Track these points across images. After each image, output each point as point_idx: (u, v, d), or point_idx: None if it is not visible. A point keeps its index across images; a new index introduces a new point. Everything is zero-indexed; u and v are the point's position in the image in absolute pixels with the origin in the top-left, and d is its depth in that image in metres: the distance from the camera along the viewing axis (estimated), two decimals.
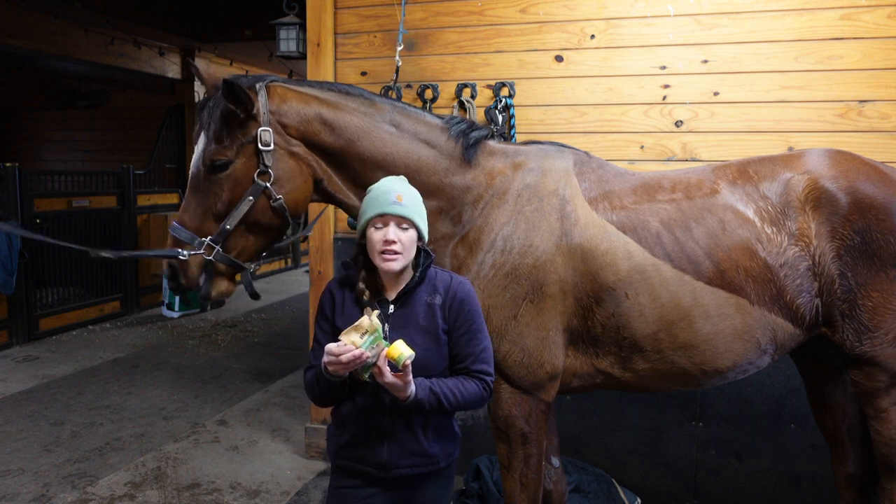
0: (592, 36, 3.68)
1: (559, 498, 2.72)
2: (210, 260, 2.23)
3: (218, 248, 2.22)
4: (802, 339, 2.41)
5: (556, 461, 2.72)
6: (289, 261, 12.61)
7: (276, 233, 2.35)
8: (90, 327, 7.83)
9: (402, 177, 2.10)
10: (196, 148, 2.26)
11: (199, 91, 10.12)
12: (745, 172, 2.43)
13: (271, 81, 2.32)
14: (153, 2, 8.33)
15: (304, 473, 4.13)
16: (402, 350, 1.79)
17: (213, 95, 2.25)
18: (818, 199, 2.31)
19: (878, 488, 2.54)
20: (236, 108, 2.18)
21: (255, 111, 2.22)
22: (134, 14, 8.06)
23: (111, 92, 11.77)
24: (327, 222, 4.15)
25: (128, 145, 11.46)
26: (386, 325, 1.99)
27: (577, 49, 3.71)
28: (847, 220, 2.28)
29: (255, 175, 2.22)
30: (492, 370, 2.05)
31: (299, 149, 2.30)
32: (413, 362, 1.86)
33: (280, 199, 2.24)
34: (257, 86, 2.27)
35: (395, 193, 1.97)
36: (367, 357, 1.77)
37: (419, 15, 3.92)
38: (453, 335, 2.02)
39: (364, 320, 1.79)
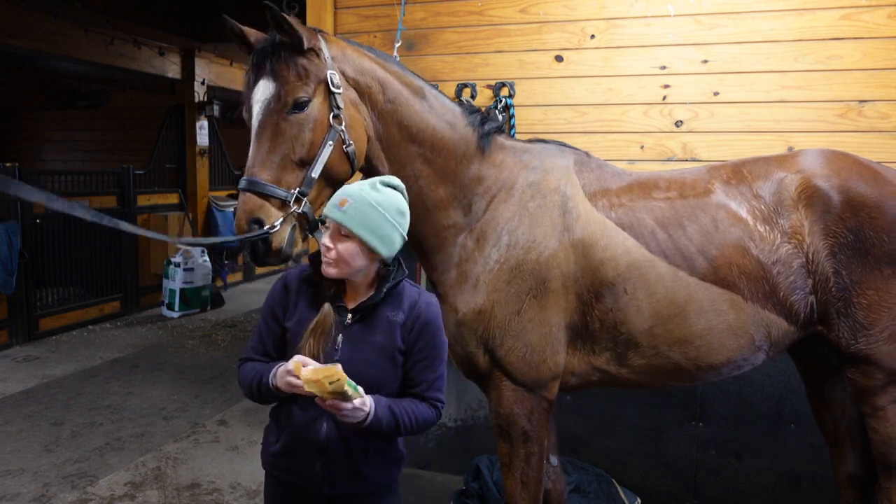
0: (592, 36, 3.68)
1: (558, 497, 2.73)
2: (298, 213, 2.05)
3: (306, 200, 2.06)
4: (797, 336, 2.42)
5: (554, 460, 2.72)
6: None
7: (338, 186, 2.16)
8: (90, 327, 7.83)
9: (373, 181, 1.91)
10: (257, 96, 2.12)
11: (199, 91, 10.12)
12: (739, 172, 2.45)
13: (320, 31, 2.28)
14: (153, 2, 8.33)
15: None
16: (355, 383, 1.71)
17: (271, 40, 2.14)
18: (810, 197, 2.33)
19: (876, 487, 2.54)
20: (303, 43, 2.09)
21: (320, 52, 2.16)
22: (134, 14, 8.06)
23: (111, 92, 11.76)
24: None
25: (128, 145, 11.44)
26: (340, 335, 1.88)
27: (577, 49, 3.71)
28: (840, 219, 2.30)
29: (331, 118, 2.13)
30: (443, 397, 1.95)
31: (357, 100, 2.26)
32: (365, 381, 1.78)
33: (352, 144, 2.16)
34: (314, 30, 2.22)
35: (341, 197, 1.84)
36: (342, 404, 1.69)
37: (419, 15, 3.92)
38: (410, 358, 1.90)
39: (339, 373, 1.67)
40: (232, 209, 10.43)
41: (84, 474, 4.08)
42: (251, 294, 10.19)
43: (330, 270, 1.84)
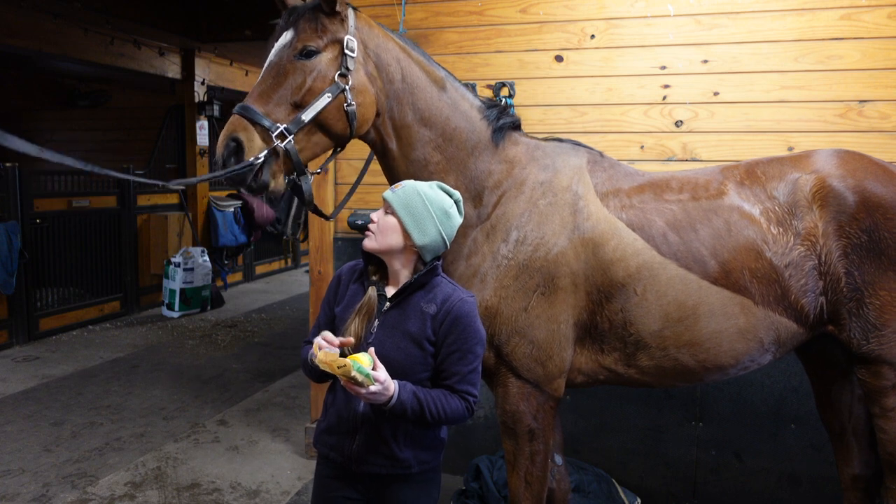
0: (592, 36, 3.68)
1: (562, 496, 2.73)
2: (281, 148, 2.14)
3: (291, 138, 2.16)
4: (806, 337, 2.42)
5: (559, 459, 2.73)
6: (289, 261, 12.62)
7: (334, 142, 2.32)
8: (90, 327, 7.83)
9: (433, 182, 2.09)
10: (277, 43, 2.26)
11: (199, 91, 10.12)
12: (752, 173, 2.45)
13: (356, 9, 2.38)
14: (153, 2, 8.33)
15: (304, 473, 4.13)
16: (367, 371, 1.78)
17: (304, 4, 2.28)
18: (825, 197, 2.32)
19: (883, 488, 2.54)
20: (333, 4, 2.21)
21: (345, 18, 2.27)
22: (134, 14, 8.05)
23: (111, 92, 11.76)
24: (328, 222, 4.15)
25: (128, 145, 11.43)
26: (377, 321, 2.01)
27: (577, 49, 3.71)
28: (854, 219, 2.29)
29: (337, 75, 2.23)
30: (476, 392, 2.00)
31: (373, 73, 2.33)
32: (392, 366, 1.89)
33: (354, 105, 2.24)
34: (348, 4, 2.34)
35: (398, 182, 2.09)
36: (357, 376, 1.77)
37: (419, 15, 3.92)
38: (441, 350, 1.98)
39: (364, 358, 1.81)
40: (232, 209, 10.43)
41: (84, 474, 4.08)
42: (251, 294, 10.19)
43: (367, 242, 2.03)
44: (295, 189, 2.28)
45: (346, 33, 2.26)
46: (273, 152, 2.14)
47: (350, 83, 2.24)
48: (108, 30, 8.41)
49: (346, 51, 2.24)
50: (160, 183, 2.24)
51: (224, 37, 9.11)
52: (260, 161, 2.11)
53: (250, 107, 2.14)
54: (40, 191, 7.69)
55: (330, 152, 2.42)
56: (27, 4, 7.29)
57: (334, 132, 2.26)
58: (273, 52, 2.25)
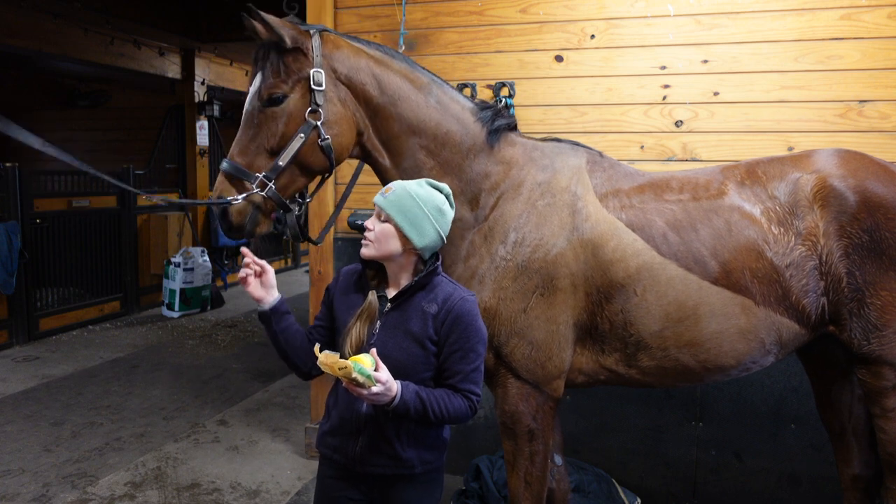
0: (592, 36, 3.68)
1: (562, 497, 2.73)
2: (264, 197, 2.24)
3: (271, 184, 2.23)
4: (808, 338, 2.42)
5: (558, 459, 2.73)
6: (289, 261, 12.62)
7: (316, 176, 2.39)
8: (90, 327, 7.83)
9: (421, 181, 2.08)
10: (251, 88, 2.31)
11: (199, 91, 10.12)
12: (753, 173, 2.44)
13: (324, 30, 2.38)
14: (153, 2, 8.33)
15: (304, 473, 4.13)
16: (368, 372, 1.77)
17: (268, 38, 2.28)
18: (826, 197, 2.31)
19: (883, 488, 2.54)
20: (286, 43, 2.22)
21: (307, 51, 2.27)
22: (134, 14, 8.05)
23: (111, 92, 11.76)
24: (326, 222, 4.15)
25: (128, 145, 11.43)
26: (378, 322, 2.01)
27: (577, 49, 3.71)
28: (855, 219, 2.29)
29: (307, 113, 2.25)
30: (479, 390, 2.00)
31: (347, 96, 2.34)
32: (394, 366, 1.89)
33: (328, 139, 2.27)
34: (311, 30, 2.33)
35: (387, 186, 2.05)
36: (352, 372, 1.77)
37: (419, 15, 3.92)
38: (444, 349, 1.98)
39: (367, 358, 1.81)
40: None
41: (84, 474, 4.08)
42: None
43: (365, 251, 2.01)
44: (279, 224, 2.35)
45: (312, 66, 2.26)
46: (255, 199, 2.24)
47: (323, 117, 2.26)
48: (108, 30, 8.41)
49: (313, 86, 2.25)
50: (158, 200, 2.32)
51: (224, 37, 9.11)
52: (239, 200, 2.23)
53: (233, 163, 2.25)
54: (40, 191, 7.70)
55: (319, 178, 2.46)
56: (27, 4, 7.29)
57: (314, 168, 2.32)
58: (247, 98, 2.30)
